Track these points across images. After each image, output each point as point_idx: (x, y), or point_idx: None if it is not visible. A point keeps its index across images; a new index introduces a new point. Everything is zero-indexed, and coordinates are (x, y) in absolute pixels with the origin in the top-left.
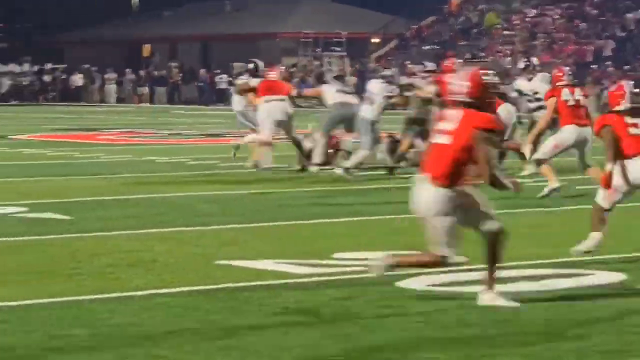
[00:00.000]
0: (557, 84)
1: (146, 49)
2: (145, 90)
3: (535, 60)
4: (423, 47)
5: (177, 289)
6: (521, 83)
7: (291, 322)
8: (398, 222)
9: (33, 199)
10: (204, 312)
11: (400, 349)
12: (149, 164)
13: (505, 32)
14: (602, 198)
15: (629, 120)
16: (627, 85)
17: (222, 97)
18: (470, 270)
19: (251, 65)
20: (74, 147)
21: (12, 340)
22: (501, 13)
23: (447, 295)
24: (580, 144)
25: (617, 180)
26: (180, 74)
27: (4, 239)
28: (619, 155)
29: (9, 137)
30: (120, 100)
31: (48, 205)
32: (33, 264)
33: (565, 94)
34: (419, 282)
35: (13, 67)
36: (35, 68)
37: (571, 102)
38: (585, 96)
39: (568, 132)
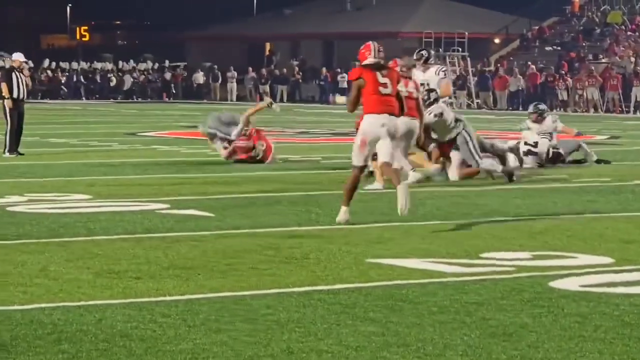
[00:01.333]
0: None
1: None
2: (267, 88)
3: None
4: (545, 48)
5: (333, 286)
6: None
7: (450, 320)
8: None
9: (173, 195)
10: (363, 309)
11: (563, 348)
12: (281, 162)
13: (629, 34)
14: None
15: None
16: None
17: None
18: (622, 271)
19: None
20: (205, 145)
21: (175, 334)
22: (625, 14)
23: (601, 295)
24: None
25: None
26: (300, 73)
27: (154, 234)
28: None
29: (138, 134)
30: (240, 98)
31: (189, 202)
32: (188, 259)
33: None
34: (572, 283)
35: (135, 65)
36: (156, 66)
37: None
38: None
39: None
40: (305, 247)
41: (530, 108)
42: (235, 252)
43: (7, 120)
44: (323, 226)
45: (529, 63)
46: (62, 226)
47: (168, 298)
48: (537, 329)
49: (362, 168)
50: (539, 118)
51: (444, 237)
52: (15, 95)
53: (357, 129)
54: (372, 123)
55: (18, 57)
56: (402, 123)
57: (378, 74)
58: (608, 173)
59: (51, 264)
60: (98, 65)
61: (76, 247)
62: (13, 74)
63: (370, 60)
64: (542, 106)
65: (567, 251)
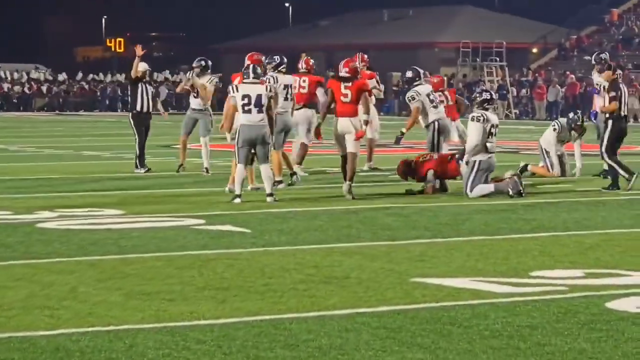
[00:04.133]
0: None
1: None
2: None
3: None
4: (584, 57)
5: (377, 309)
6: None
7: (503, 345)
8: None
9: (209, 210)
10: (409, 333)
11: None
12: (318, 175)
13: None
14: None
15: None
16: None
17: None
18: None
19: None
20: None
21: None
22: None
23: None
24: None
25: None
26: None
27: (190, 252)
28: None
29: (173, 146)
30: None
31: (224, 217)
32: (223, 279)
33: None
34: (629, 304)
35: (169, 76)
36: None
37: None
38: None
39: None
40: (346, 266)
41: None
42: (272, 271)
43: (134, 135)
44: (364, 242)
45: (568, 72)
46: (92, 244)
47: (202, 322)
48: (597, 355)
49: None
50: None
51: (492, 254)
52: (138, 108)
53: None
54: None
55: (142, 67)
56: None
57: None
58: None
59: (80, 284)
60: None
61: (107, 266)
62: (140, 85)
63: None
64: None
65: (620, 268)
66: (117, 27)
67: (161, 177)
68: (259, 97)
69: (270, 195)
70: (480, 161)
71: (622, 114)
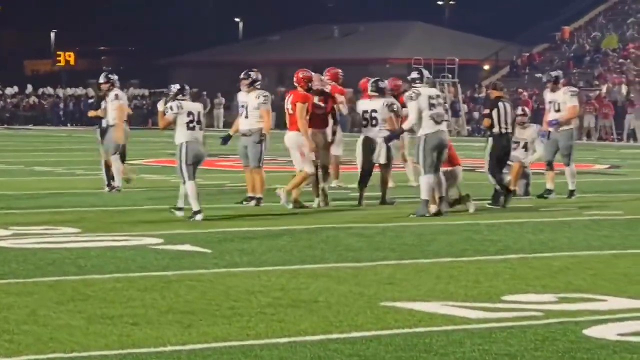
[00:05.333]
0: None
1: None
2: None
3: None
4: (535, 75)
5: (349, 335)
6: None
7: None
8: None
9: (166, 229)
10: None
11: None
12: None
13: (620, 61)
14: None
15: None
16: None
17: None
18: None
19: None
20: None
21: None
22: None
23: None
24: None
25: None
26: None
27: (151, 273)
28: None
29: (126, 162)
30: (226, 125)
31: (184, 237)
32: (187, 302)
33: None
34: (608, 331)
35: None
36: (147, 92)
37: None
38: None
39: None
40: (313, 289)
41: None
42: (237, 294)
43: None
44: (329, 264)
45: (520, 89)
46: (50, 263)
47: (169, 348)
48: None
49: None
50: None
51: (461, 277)
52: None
53: None
54: None
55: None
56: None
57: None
58: (618, 206)
59: (40, 307)
60: (82, 91)
61: (66, 287)
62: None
63: None
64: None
65: (593, 293)
66: (67, 41)
67: (116, 195)
68: (199, 113)
69: (198, 212)
70: (426, 135)
71: (502, 131)
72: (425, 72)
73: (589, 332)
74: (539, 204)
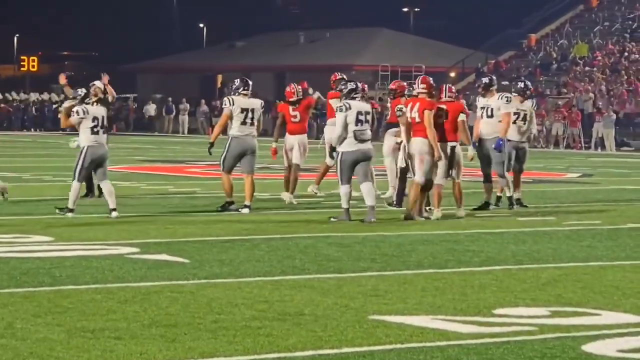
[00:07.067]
0: None
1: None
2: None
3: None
4: (501, 82)
5: (340, 350)
6: None
7: None
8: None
9: (141, 238)
10: None
11: None
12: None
13: (587, 69)
14: None
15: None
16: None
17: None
18: None
19: None
20: (166, 181)
21: None
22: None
23: None
24: None
25: None
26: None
27: (129, 284)
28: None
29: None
30: (191, 131)
31: (160, 246)
32: (170, 315)
33: None
34: (607, 347)
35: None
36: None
37: None
38: None
39: None
40: (297, 301)
41: None
42: (220, 306)
43: None
44: (310, 275)
45: None
46: (24, 273)
47: None
48: None
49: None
50: None
51: (447, 289)
52: None
53: None
54: None
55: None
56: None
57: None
58: (596, 216)
59: (17, 319)
60: (46, 96)
61: (42, 298)
62: None
63: None
64: None
65: (586, 306)
66: (30, 46)
67: (87, 202)
68: (103, 118)
69: (114, 210)
70: (343, 152)
71: None
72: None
73: (587, 348)
74: (517, 213)
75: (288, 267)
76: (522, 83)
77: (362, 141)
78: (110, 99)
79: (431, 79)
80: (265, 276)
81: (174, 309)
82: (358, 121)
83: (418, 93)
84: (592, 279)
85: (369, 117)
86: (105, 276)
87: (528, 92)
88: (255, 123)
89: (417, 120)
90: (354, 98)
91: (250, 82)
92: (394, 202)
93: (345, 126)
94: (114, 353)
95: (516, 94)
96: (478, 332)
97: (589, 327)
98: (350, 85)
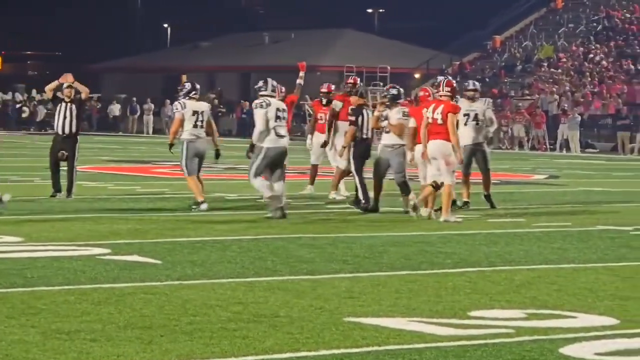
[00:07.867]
0: None
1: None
2: None
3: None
4: (465, 83)
5: (318, 352)
6: None
7: None
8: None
9: (112, 238)
10: None
11: None
12: (220, 201)
13: (552, 70)
14: None
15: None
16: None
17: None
18: (633, 335)
19: None
20: (133, 181)
21: None
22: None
23: None
24: None
25: None
26: (222, 105)
27: (102, 285)
28: None
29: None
30: (156, 131)
31: (131, 247)
32: (145, 316)
33: None
34: (584, 350)
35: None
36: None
37: None
38: None
39: None
40: (272, 302)
41: None
42: (195, 308)
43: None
44: (283, 276)
45: None
46: None
47: None
48: None
49: None
50: None
51: (422, 291)
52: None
53: None
54: None
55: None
56: None
57: None
58: (565, 218)
59: None
60: (9, 95)
61: (15, 300)
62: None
63: None
64: None
65: (561, 309)
66: None
67: (55, 202)
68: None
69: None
70: (268, 148)
71: (364, 137)
72: (271, 82)
73: (565, 351)
74: (487, 214)
75: (260, 269)
76: (471, 84)
77: (281, 136)
78: (83, 96)
79: (454, 82)
80: (238, 277)
81: (148, 310)
82: (277, 117)
83: (442, 96)
84: (565, 281)
85: (285, 114)
86: (77, 277)
87: (475, 93)
88: (205, 125)
89: (439, 122)
90: (272, 95)
91: (198, 86)
92: (363, 202)
93: (266, 122)
94: (91, 355)
95: (465, 98)
96: (455, 335)
97: (565, 330)
98: (260, 83)
